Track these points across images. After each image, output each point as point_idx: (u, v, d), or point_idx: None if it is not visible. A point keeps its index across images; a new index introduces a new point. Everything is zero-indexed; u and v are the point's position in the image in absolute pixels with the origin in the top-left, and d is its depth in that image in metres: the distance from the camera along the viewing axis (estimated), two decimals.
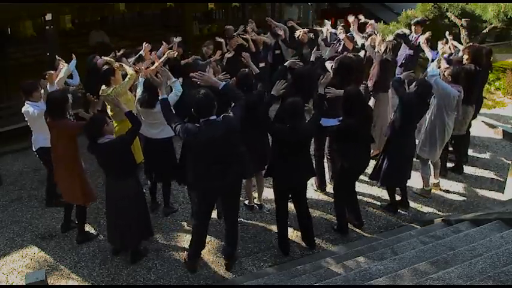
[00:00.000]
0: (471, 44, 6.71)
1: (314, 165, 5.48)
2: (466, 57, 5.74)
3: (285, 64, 5.46)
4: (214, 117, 3.95)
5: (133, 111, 5.34)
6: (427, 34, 6.61)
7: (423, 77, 5.33)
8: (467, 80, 5.42)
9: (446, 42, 6.47)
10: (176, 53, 6.06)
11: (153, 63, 5.48)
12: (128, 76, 5.22)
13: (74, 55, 5.96)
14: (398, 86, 5.05)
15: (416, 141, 5.37)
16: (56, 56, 5.73)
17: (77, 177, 4.65)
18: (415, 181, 5.66)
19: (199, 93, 3.95)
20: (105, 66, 5.51)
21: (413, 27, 7.51)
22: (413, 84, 4.99)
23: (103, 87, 5.32)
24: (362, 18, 7.42)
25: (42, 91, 5.12)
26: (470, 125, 6.10)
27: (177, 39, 6.55)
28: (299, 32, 7.54)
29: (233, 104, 4.16)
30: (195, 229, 4.45)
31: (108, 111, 5.51)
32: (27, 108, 5.05)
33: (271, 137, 4.70)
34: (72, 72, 6.18)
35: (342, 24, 8.11)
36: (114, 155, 4.21)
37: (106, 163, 4.33)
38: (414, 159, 5.31)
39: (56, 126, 4.58)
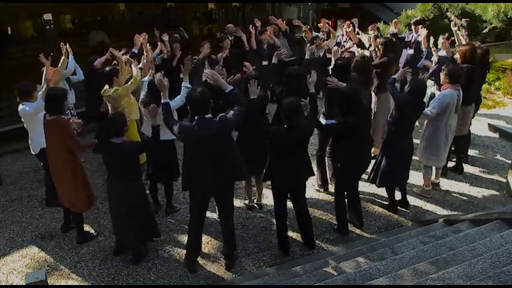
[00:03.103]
0: (463, 43, 6.71)
1: (316, 164, 5.50)
2: (458, 56, 5.73)
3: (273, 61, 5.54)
4: (209, 115, 3.95)
5: (135, 114, 5.38)
6: (425, 32, 6.60)
7: (420, 77, 5.27)
8: (464, 80, 5.38)
9: (448, 38, 6.45)
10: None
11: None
12: (131, 80, 5.21)
13: (70, 49, 6.02)
14: (392, 88, 5.02)
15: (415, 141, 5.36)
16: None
17: (79, 181, 4.58)
18: (415, 181, 5.66)
19: (196, 91, 3.96)
20: (108, 67, 5.52)
21: (413, 27, 7.53)
22: (408, 84, 4.96)
23: (106, 87, 5.33)
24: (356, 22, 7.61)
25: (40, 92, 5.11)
26: (470, 124, 6.08)
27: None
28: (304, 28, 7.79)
29: (235, 108, 4.12)
30: (190, 228, 4.48)
31: (110, 112, 5.51)
32: (22, 107, 5.03)
33: (268, 139, 4.69)
34: (75, 69, 6.23)
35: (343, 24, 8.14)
36: (124, 157, 4.19)
37: (113, 163, 4.30)
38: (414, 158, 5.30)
39: (53, 125, 4.48)
